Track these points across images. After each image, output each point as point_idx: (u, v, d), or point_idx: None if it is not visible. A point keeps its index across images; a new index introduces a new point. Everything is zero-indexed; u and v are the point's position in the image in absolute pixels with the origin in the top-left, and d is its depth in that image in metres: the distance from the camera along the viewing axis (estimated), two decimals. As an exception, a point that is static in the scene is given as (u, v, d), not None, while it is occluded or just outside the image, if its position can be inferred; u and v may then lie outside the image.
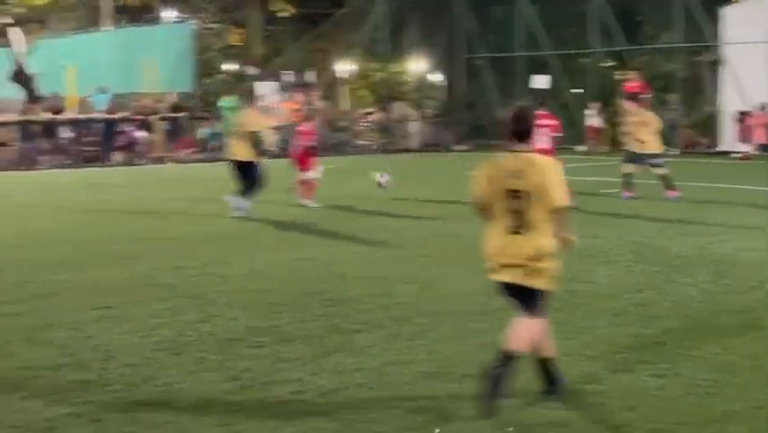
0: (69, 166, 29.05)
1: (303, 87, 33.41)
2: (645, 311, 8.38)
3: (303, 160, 17.24)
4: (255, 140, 15.55)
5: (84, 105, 33.70)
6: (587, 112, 33.10)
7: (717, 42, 31.56)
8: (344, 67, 39.91)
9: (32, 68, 32.02)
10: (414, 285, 9.66)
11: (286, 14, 40.35)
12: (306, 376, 6.48)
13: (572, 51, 35.54)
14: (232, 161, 15.89)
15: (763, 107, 29.99)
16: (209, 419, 5.69)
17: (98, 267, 10.86)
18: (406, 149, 36.06)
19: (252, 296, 9.20)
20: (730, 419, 5.62)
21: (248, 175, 15.55)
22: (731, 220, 14.33)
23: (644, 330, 7.68)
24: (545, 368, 6.02)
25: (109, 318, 8.29)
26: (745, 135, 30.40)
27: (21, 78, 31.23)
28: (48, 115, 30.07)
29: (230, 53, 43.33)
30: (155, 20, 41.13)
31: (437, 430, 5.50)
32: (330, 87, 39.12)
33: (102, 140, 31.12)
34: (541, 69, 31.87)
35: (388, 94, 38.83)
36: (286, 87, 34.42)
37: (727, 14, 31.26)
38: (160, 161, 31.01)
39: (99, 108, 32.44)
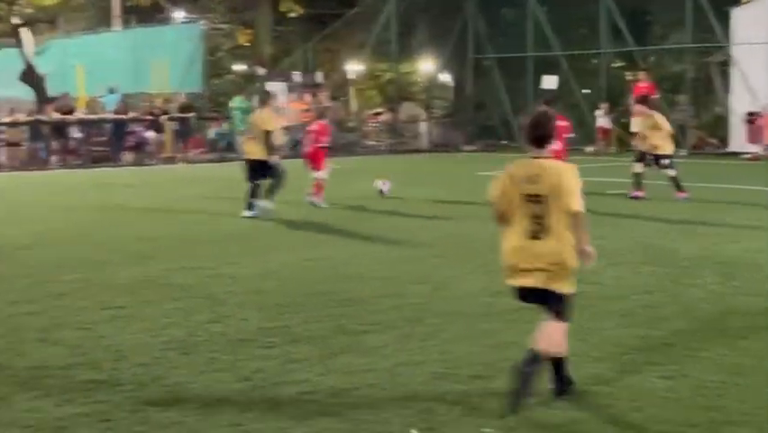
0: (79, 166, 29.14)
1: (312, 87, 33.45)
2: (653, 313, 8.39)
3: (315, 158, 17.31)
4: (270, 139, 15.63)
5: (93, 105, 33.82)
6: (597, 113, 33.07)
7: (727, 43, 31.48)
8: (353, 67, 39.97)
9: (41, 68, 32.12)
10: (426, 286, 9.69)
11: (294, 15, 40.38)
12: (317, 377, 6.51)
13: (582, 52, 35.51)
14: (246, 160, 15.99)
15: (772, 108, 29.96)
16: (220, 418, 5.72)
17: (110, 267, 10.91)
18: (415, 149, 36.08)
19: (263, 296, 9.24)
20: (739, 421, 5.63)
21: (266, 174, 15.68)
22: (739, 221, 14.33)
23: (651, 331, 7.69)
24: (556, 368, 6.05)
25: (121, 318, 8.33)
26: (754, 136, 30.34)
27: (31, 78, 31.33)
28: (57, 116, 30.15)
29: (239, 54, 43.46)
30: (165, 20, 41.22)
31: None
32: (339, 87, 39.17)
33: (112, 140, 31.21)
34: (550, 69, 31.94)
35: (397, 94, 38.85)
36: (295, 88, 34.47)
37: (737, 15, 31.21)
38: (169, 161, 31.09)
39: (109, 108, 32.54)
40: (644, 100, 19.22)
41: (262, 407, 5.94)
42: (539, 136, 6.12)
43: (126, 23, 40.18)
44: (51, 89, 33.25)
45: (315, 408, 5.90)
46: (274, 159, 15.67)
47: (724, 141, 32.13)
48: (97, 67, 34.68)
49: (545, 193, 5.91)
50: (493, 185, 6.20)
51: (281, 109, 28.29)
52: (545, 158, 6.08)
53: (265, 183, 15.84)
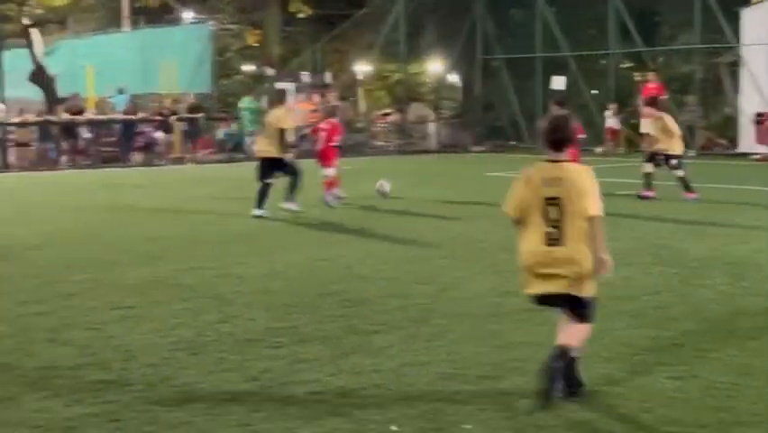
0: (88, 166, 29.19)
1: (320, 87, 33.47)
2: (663, 313, 8.38)
3: (326, 156, 17.37)
4: (284, 137, 15.72)
5: (102, 105, 33.89)
6: (606, 113, 33.02)
7: (737, 44, 31.41)
8: (362, 68, 39.97)
9: (51, 68, 32.19)
10: (433, 286, 9.69)
11: (303, 15, 40.42)
12: (325, 377, 6.51)
13: (590, 53, 35.48)
14: (261, 158, 16.06)
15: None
16: (228, 418, 5.73)
17: (118, 267, 10.92)
18: (424, 150, 36.07)
19: (271, 296, 9.25)
20: (748, 422, 5.62)
21: (281, 171, 15.79)
22: (748, 222, 14.30)
23: (661, 332, 7.68)
24: (568, 369, 6.05)
25: (130, 319, 8.35)
26: (763, 137, 30.24)
27: (41, 78, 31.41)
28: (67, 116, 30.22)
29: (248, 54, 43.49)
30: (174, 21, 41.28)
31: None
32: (347, 88, 39.17)
33: (121, 140, 31.27)
34: (559, 70, 31.91)
35: (405, 95, 38.85)
36: (303, 88, 34.49)
37: (747, 16, 31.11)
38: (178, 161, 31.14)
39: (119, 109, 32.61)
40: (652, 102, 19.22)
41: (271, 407, 5.94)
42: (557, 139, 6.14)
43: (135, 24, 40.26)
44: (61, 90, 33.32)
45: (324, 408, 5.90)
46: (288, 156, 15.76)
47: (733, 141, 32.05)
48: (106, 67, 34.74)
49: (563, 196, 5.93)
50: (509, 195, 6.22)
51: (290, 110, 28.37)
52: (564, 161, 6.09)
53: (283, 182, 15.90)
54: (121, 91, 33.75)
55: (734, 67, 32.85)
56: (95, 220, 15.74)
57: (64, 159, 30.17)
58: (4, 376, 6.68)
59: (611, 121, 32.77)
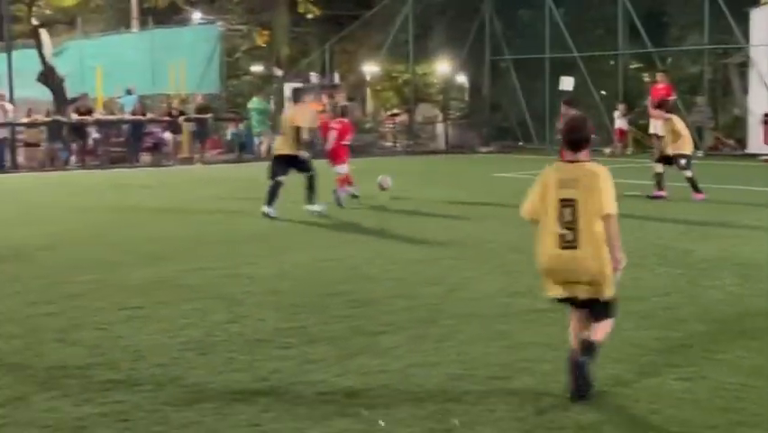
0: (97, 167, 29.24)
1: (329, 88, 33.50)
2: (672, 314, 8.37)
3: (337, 155, 17.42)
4: (300, 135, 15.81)
5: (110, 105, 33.95)
6: (615, 114, 32.98)
7: (746, 44, 31.35)
8: (370, 68, 39.99)
9: (60, 69, 32.25)
10: (440, 287, 9.69)
11: (312, 16, 40.46)
12: (334, 377, 6.52)
13: (599, 53, 35.43)
14: (275, 156, 16.10)
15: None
16: (238, 419, 5.74)
17: (127, 268, 10.95)
18: (431, 151, 36.07)
19: (280, 297, 9.26)
20: (758, 423, 5.61)
21: (296, 168, 15.84)
22: (757, 223, 14.28)
23: (670, 333, 7.68)
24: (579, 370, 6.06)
25: (138, 319, 8.36)
26: (770, 138, 30.22)
27: (50, 79, 31.46)
28: (75, 116, 30.27)
29: (256, 55, 43.53)
30: (182, 21, 41.34)
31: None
32: (356, 88, 39.19)
33: (129, 141, 31.32)
34: (567, 71, 31.85)
35: (413, 95, 38.86)
36: (312, 89, 34.51)
37: (756, 16, 31.04)
38: (187, 162, 31.19)
39: (127, 109, 32.66)
40: (661, 104, 19.23)
41: (280, 407, 5.95)
42: (575, 140, 6.16)
43: (144, 25, 40.30)
44: (70, 90, 33.37)
45: (332, 408, 5.91)
46: (304, 154, 15.83)
47: (742, 142, 31.99)
48: (115, 68, 34.81)
49: (578, 198, 5.94)
50: (527, 198, 6.25)
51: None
52: (582, 161, 6.09)
53: (292, 181, 15.93)
54: (129, 92, 33.81)
55: (743, 67, 32.80)
56: (103, 221, 15.76)
57: (73, 159, 30.23)
58: (13, 376, 6.70)
59: (620, 122, 32.73)
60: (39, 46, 31.60)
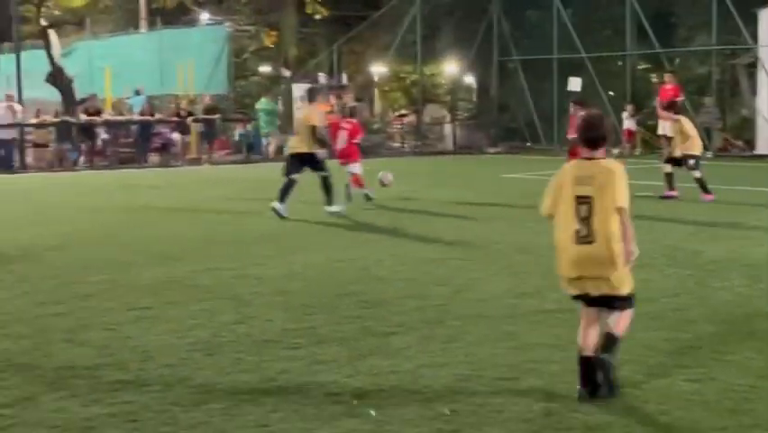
0: (106, 167, 29.30)
1: (337, 89, 33.53)
2: (681, 315, 8.36)
3: (349, 154, 17.44)
4: (316, 134, 15.86)
5: (119, 106, 34.01)
6: (623, 115, 32.95)
7: (754, 45, 31.28)
8: (378, 69, 39.99)
9: (68, 70, 32.31)
10: (448, 287, 9.68)
11: (319, 17, 40.53)
12: (342, 378, 6.52)
13: (607, 54, 35.40)
14: (291, 154, 16.14)
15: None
16: (246, 419, 5.74)
17: (135, 268, 10.96)
18: (439, 151, 36.07)
19: (288, 297, 9.26)
20: (766, 425, 5.60)
21: (311, 167, 15.89)
22: (766, 224, 14.25)
23: (679, 334, 7.66)
24: (589, 369, 6.06)
25: (147, 319, 8.37)
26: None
27: (59, 80, 31.52)
28: (84, 117, 30.34)
29: (264, 55, 43.57)
30: (190, 22, 41.40)
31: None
32: (363, 89, 39.19)
33: (138, 141, 31.37)
34: (575, 71, 31.84)
35: (421, 96, 38.86)
36: (320, 90, 34.52)
37: (764, 17, 30.97)
38: (195, 162, 31.23)
39: (136, 110, 32.72)
40: (670, 106, 19.23)
41: (288, 408, 5.94)
42: (593, 137, 6.18)
43: (152, 25, 40.39)
44: (78, 91, 33.44)
45: (341, 409, 5.91)
46: (322, 153, 15.87)
47: (750, 143, 31.94)
48: (123, 68, 34.88)
49: (594, 195, 5.98)
50: (545, 195, 6.28)
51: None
52: (598, 159, 6.13)
53: (318, 182, 16.02)
54: (138, 92, 33.86)
55: (751, 68, 32.74)
56: (112, 221, 15.79)
57: (81, 159, 30.29)
58: (22, 376, 6.71)
59: (628, 122, 32.69)
60: (48, 47, 31.67)
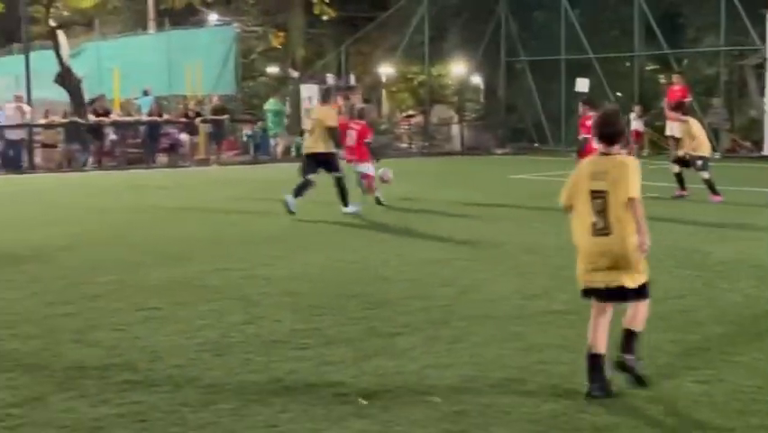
0: (114, 168, 29.35)
1: (344, 89, 33.57)
2: (689, 316, 8.36)
3: (361, 153, 17.45)
4: (333, 134, 15.99)
5: (127, 107, 34.08)
6: (631, 116, 32.89)
7: (762, 46, 31.21)
8: (385, 70, 40.00)
9: (77, 70, 32.37)
10: (454, 288, 9.69)
11: (327, 18, 40.55)
12: (349, 379, 6.53)
13: (615, 55, 35.35)
14: (307, 155, 16.18)
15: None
16: (255, 420, 5.76)
17: (144, 269, 10.99)
18: (447, 152, 36.07)
19: (296, 298, 9.28)
20: (774, 426, 5.61)
21: (326, 168, 15.94)
22: (775, 225, 14.26)
23: (687, 336, 7.66)
24: (598, 368, 6.09)
25: (155, 320, 8.39)
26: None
27: (68, 80, 31.59)
28: (93, 117, 30.40)
29: (272, 56, 43.61)
30: (198, 23, 41.45)
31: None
32: (371, 89, 39.21)
33: (146, 142, 31.42)
34: (583, 72, 31.82)
35: (428, 97, 38.87)
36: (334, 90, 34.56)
37: (772, 17, 30.93)
38: (203, 163, 31.28)
39: (144, 111, 32.78)
40: (678, 106, 19.22)
41: (297, 408, 5.96)
42: (609, 133, 6.28)
43: (160, 26, 40.44)
44: (87, 92, 33.50)
45: (349, 409, 5.92)
46: (342, 153, 16.05)
47: (758, 144, 31.87)
48: (132, 69, 34.95)
49: (608, 189, 6.08)
50: (563, 188, 6.39)
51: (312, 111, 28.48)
52: (614, 155, 6.22)
53: (332, 181, 16.10)
54: (146, 93, 33.91)
55: (759, 69, 32.67)
56: (120, 221, 15.82)
57: (90, 160, 30.35)
58: (31, 376, 6.73)
59: (636, 123, 32.61)
60: (56, 47, 31.72)
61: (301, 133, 31.57)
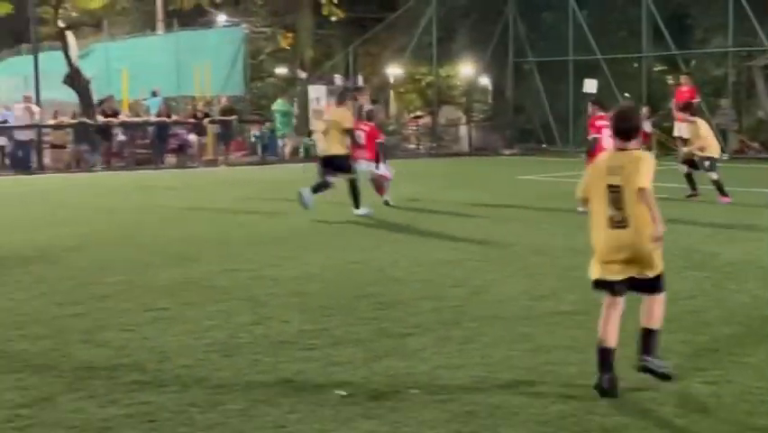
0: (122, 168, 29.40)
1: (353, 90, 33.58)
2: (697, 317, 8.34)
3: (371, 154, 17.47)
4: (351, 136, 16.08)
5: (135, 107, 34.13)
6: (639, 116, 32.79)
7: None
8: (394, 71, 40.01)
9: (86, 71, 32.45)
10: (464, 289, 9.69)
11: (336, 19, 40.59)
12: (358, 379, 6.53)
13: (623, 56, 35.30)
14: (323, 157, 16.23)
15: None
16: (263, 420, 5.76)
17: (152, 269, 11.00)
18: (455, 153, 36.06)
19: (305, 299, 9.28)
20: (783, 428, 5.60)
21: (339, 170, 15.98)
22: (784, 226, 14.23)
23: (696, 337, 7.65)
24: (610, 360, 6.11)
25: (164, 320, 8.41)
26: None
27: (77, 81, 31.66)
28: (101, 118, 30.46)
29: (280, 57, 43.66)
30: (207, 24, 41.50)
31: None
32: (379, 90, 39.22)
33: (154, 143, 31.47)
34: (591, 73, 31.77)
35: (436, 98, 38.86)
36: (335, 91, 34.57)
37: (780, 18, 30.85)
38: (211, 163, 31.31)
39: (153, 111, 32.83)
40: (686, 107, 19.21)
41: (305, 409, 5.96)
42: (625, 129, 6.38)
43: (169, 27, 40.50)
44: (96, 93, 33.57)
45: (358, 410, 5.92)
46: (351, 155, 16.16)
47: (766, 145, 31.81)
48: (140, 70, 35.01)
49: (623, 183, 6.15)
50: (581, 181, 6.52)
51: (320, 112, 28.51)
52: (630, 150, 6.30)
53: (344, 182, 16.12)
54: (154, 94, 33.96)
55: (767, 70, 32.59)
56: (129, 222, 15.85)
57: (98, 161, 30.40)
58: (40, 377, 6.74)
59: (643, 124, 32.51)
60: (65, 48, 31.79)
61: (309, 134, 31.62)
